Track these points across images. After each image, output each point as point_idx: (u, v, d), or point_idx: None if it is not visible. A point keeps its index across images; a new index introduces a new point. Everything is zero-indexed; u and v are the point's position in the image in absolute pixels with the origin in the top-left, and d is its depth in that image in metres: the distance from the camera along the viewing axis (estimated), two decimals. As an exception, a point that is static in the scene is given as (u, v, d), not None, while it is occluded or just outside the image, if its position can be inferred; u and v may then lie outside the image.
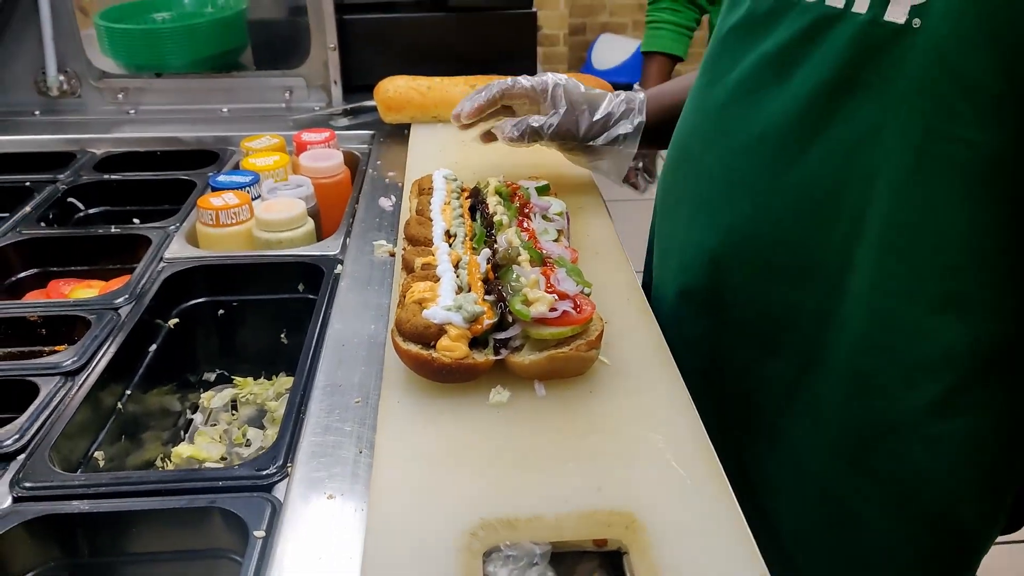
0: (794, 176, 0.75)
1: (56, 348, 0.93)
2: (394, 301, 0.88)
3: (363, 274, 1.00)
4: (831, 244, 0.74)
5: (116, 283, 1.07)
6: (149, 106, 1.59)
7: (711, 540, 0.59)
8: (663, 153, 1.01)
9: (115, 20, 1.60)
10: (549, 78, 1.05)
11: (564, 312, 0.73)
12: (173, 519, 0.67)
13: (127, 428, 0.89)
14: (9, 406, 0.79)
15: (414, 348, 0.72)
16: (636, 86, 1.96)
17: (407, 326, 0.73)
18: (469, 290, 0.77)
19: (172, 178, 1.32)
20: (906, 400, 0.75)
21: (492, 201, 0.95)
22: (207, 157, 1.39)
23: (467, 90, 1.38)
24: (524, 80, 1.05)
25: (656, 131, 1.03)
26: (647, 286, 1.03)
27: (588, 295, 0.78)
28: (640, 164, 1.98)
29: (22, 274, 1.12)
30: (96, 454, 0.81)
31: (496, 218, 0.91)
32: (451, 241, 0.88)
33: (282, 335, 1.08)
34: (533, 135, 1.04)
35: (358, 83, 1.59)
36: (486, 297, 0.76)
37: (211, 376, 1.09)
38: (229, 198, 1.10)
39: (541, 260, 0.81)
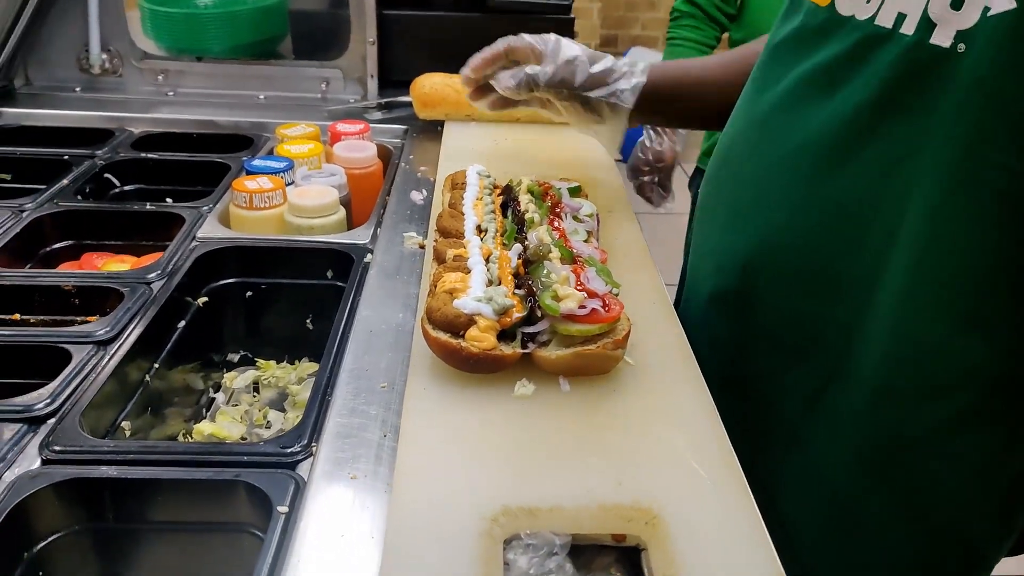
0: (829, 190, 0.76)
1: (88, 319, 0.94)
2: (423, 291, 0.89)
3: (392, 264, 1.01)
4: (861, 259, 0.75)
5: (147, 259, 1.09)
6: (188, 89, 1.61)
7: (729, 540, 0.59)
8: (681, 168, 1.02)
9: (159, 3, 1.62)
10: (553, 35, 1.06)
11: (593, 310, 0.73)
12: (198, 490, 0.68)
13: (152, 401, 0.90)
14: (41, 372, 0.80)
15: (443, 336, 0.73)
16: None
17: (437, 314, 0.74)
18: (499, 283, 0.78)
19: (207, 160, 1.34)
20: (926, 415, 0.76)
21: (524, 199, 0.96)
22: (242, 142, 1.41)
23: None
24: (528, 35, 1.06)
25: (654, 101, 1.04)
26: (679, 292, 1.03)
27: (616, 295, 0.79)
28: (655, 179, 1.99)
29: (57, 245, 1.14)
30: (123, 424, 0.83)
31: (527, 216, 0.91)
32: (482, 236, 0.89)
33: (308, 321, 1.09)
34: (529, 83, 1.04)
35: (394, 78, 1.60)
36: (516, 291, 0.77)
37: (235, 357, 1.10)
38: (263, 182, 1.11)
39: (571, 258, 0.82)
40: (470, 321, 0.73)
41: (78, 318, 0.96)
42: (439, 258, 0.86)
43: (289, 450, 0.70)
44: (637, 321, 0.79)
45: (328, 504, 0.65)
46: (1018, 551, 0.88)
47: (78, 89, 1.59)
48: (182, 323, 0.98)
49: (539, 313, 0.75)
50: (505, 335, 0.74)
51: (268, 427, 1.02)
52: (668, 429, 0.70)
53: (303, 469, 0.69)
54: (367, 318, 0.89)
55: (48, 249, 1.14)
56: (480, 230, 0.90)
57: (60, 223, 1.14)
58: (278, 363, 1.10)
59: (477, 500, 0.61)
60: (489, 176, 1.04)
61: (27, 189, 1.20)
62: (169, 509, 0.69)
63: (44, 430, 0.72)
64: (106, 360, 0.82)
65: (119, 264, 1.11)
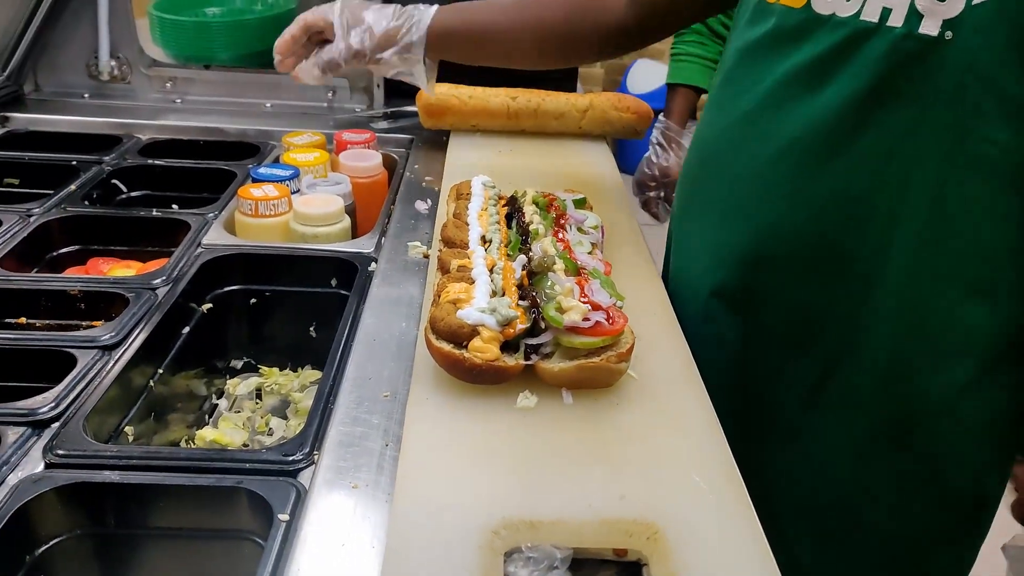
0: (829, 179, 0.79)
1: (93, 323, 0.94)
2: (426, 300, 0.89)
3: (396, 273, 1.01)
4: (866, 240, 0.78)
5: (153, 265, 1.09)
6: (195, 96, 1.62)
7: (731, 556, 0.59)
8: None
9: (168, 11, 1.63)
10: (337, 5, 1.08)
11: (597, 323, 0.74)
12: (200, 496, 0.68)
13: (155, 407, 0.90)
14: (46, 376, 0.80)
15: (446, 346, 0.73)
16: (660, 116, 1.97)
17: (441, 324, 0.74)
18: (503, 294, 0.78)
19: (213, 167, 1.34)
20: (937, 383, 0.80)
21: (529, 210, 0.96)
22: (248, 149, 1.41)
23: (507, 100, 1.40)
24: (311, 13, 1.09)
25: (449, 44, 1.08)
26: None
27: (621, 308, 0.79)
28: (662, 194, 1.99)
29: (63, 249, 1.15)
30: (126, 429, 0.83)
31: (532, 227, 0.92)
32: (487, 246, 0.89)
33: (311, 328, 1.09)
34: (331, 66, 1.08)
35: (400, 88, 1.60)
36: (520, 302, 0.77)
37: (238, 363, 1.11)
38: (269, 190, 1.12)
39: (576, 270, 0.82)
40: (473, 332, 0.73)
41: (83, 323, 0.96)
42: (443, 268, 0.86)
43: (291, 458, 0.70)
44: (641, 334, 0.79)
45: (329, 513, 0.65)
46: None
47: (87, 95, 1.60)
48: (186, 329, 0.98)
49: (543, 325, 0.75)
50: (508, 346, 0.75)
51: (270, 434, 1.02)
52: (671, 443, 0.70)
53: (304, 477, 0.69)
54: (370, 327, 0.89)
55: (55, 254, 1.14)
56: (484, 241, 0.90)
57: (67, 228, 1.15)
58: (281, 370, 1.10)
59: (478, 512, 0.61)
60: (494, 187, 1.04)
61: (35, 194, 1.20)
62: (170, 515, 0.69)
63: (48, 434, 0.72)
64: (111, 365, 0.82)
65: (125, 270, 1.12)
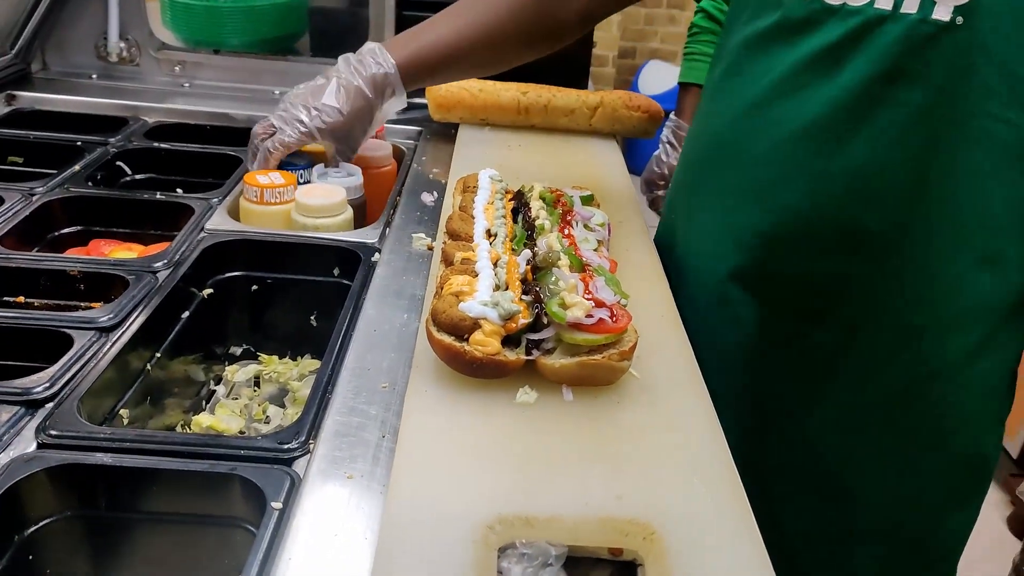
0: (846, 158, 0.82)
1: (92, 304, 0.94)
2: (429, 292, 0.88)
3: (400, 264, 1.00)
4: (882, 215, 0.82)
5: (155, 248, 1.08)
6: (204, 81, 1.61)
7: (728, 560, 0.58)
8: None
9: (180, -6, 1.63)
10: (307, 123, 1.10)
11: (600, 319, 0.73)
12: (192, 482, 0.67)
13: (152, 391, 0.89)
14: (42, 356, 0.80)
15: (447, 339, 0.72)
16: (671, 115, 1.96)
17: (442, 316, 0.73)
18: (506, 288, 0.77)
19: (219, 152, 1.34)
20: (948, 348, 0.85)
21: (535, 205, 0.95)
22: (255, 136, 1.40)
23: (518, 96, 1.39)
24: (287, 137, 1.10)
25: (418, 79, 1.14)
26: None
27: (625, 306, 0.78)
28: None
29: (65, 230, 1.14)
30: (121, 412, 0.82)
31: (538, 222, 0.91)
32: (491, 240, 0.88)
33: (312, 317, 1.08)
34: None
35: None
36: (523, 297, 0.76)
37: (237, 350, 1.10)
38: (275, 177, 1.11)
39: (581, 267, 0.81)
40: (475, 325, 0.72)
41: (83, 304, 0.95)
42: (447, 260, 0.85)
43: (286, 446, 0.69)
44: (644, 333, 0.78)
45: (322, 503, 0.64)
46: None
47: (94, 76, 1.59)
48: (186, 314, 0.98)
49: (545, 320, 0.74)
50: (510, 341, 0.74)
51: (267, 422, 1.01)
52: (671, 444, 0.69)
53: (299, 466, 0.68)
54: (372, 317, 0.88)
55: (56, 234, 1.14)
56: (490, 234, 0.89)
57: (70, 208, 1.14)
58: (280, 358, 1.09)
59: (473, 506, 0.60)
60: (501, 181, 1.03)
61: (39, 173, 1.20)
62: (162, 499, 0.69)
63: (41, 414, 0.72)
64: (107, 347, 0.81)
65: (126, 252, 1.11)
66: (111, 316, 0.85)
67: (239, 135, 1.40)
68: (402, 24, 1.58)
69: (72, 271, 0.95)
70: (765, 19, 0.87)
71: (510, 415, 0.70)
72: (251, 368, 1.08)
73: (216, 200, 1.14)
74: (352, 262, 1.02)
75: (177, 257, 0.99)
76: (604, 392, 0.74)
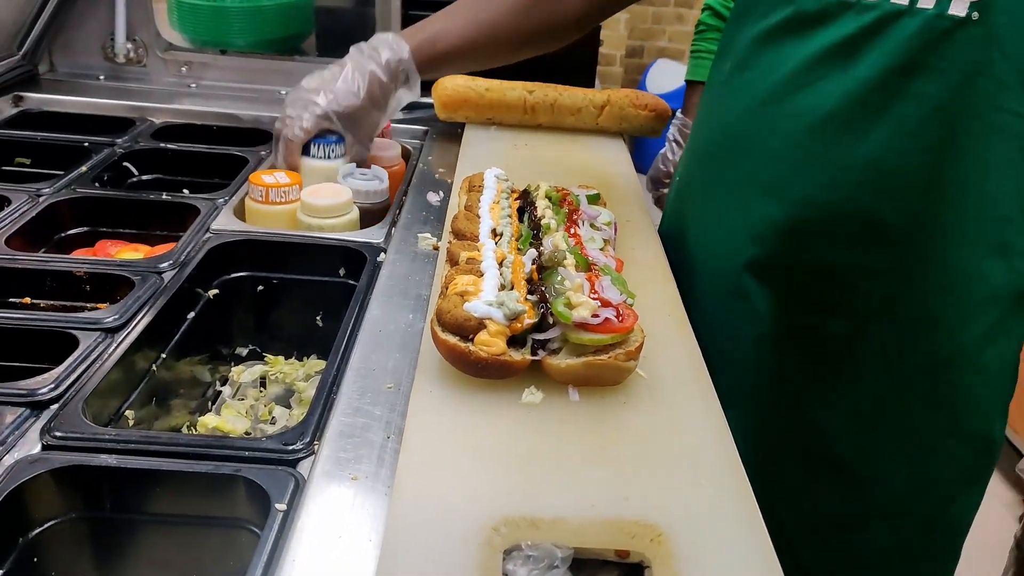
0: (863, 150, 0.83)
1: (98, 305, 0.94)
2: (434, 293, 0.88)
3: (405, 264, 1.00)
4: (900, 207, 0.83)
5: (161, 249, 1.08)
6: (211, 81, 1.61)
7: (736, 562, 0.58)
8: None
9: (186, -5, 1.63)
10: (322, 105, 1.12)
11: (606, 319, 0.72)
12: (197, 483, 0.67)
13: (158, 392, 0.89)
14: (48, 357, 0.79)
15: (452, 339, 0.72)
16: (678, 113, 1.95)
17: (447, 317, 0.73)
18: (512, 288, 0.77)
19: (226, 153, 1.33)
20: (961, 335, 0.87)
21: (541, 204, 0.94)
22: (262, 136, 1.40)
23: (524, 95, 1.38)
24: (304, 122, 1.13)
25: (435, 69, 1.20)
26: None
27: (631, 306, 0.77)
28: None
29: (72, 231, 1.14)
30: (127, 413, 0.82)
31: (544, 221, 0.90)
32: (497, 240, 0.88)
33: (318, 318, 1.08)
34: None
35: (416, 79, 1.59)
36: (528, 297, 0.76)
37: (243, 351, 1.10)
38: (280, 177, 1.11)
39: (587, 266, 0.81)
40: (480, 325, 0.72)
41: (88, 305, 0.95)
42: (452, 260, 0.85)
43: (291, 447, 0.69)
44: (651, 333, 0.77)
45: (327, 504, 0.63)
46: None
47: (102, 77, 1.60)
48: (192, 314, 0.97)
49: (551, 320, 0.73)
50: (515, 341, 0.73)
51: (273, 423, 1.01)
52: (678, 444, 0.68)
53: (304, 467, 0.68)
54: (377, 317, 0.88)
55: (63, 235, 1.14)
56: (495, 234, 0.89)
57: (76, 209, 1.14)
58: (286, 359, 1.09)
59: (478, 508, 0.60)
60: (507, 180, 1.03)
61: (46, 174, 1.20)
62: (167, 501, 0.68)
63: (46, 415, 0.71)
64: (113, 348, 0.81)
65: (133, 252, 1.11)
66: (116, 317, 0.85)
67: (246, 135, 1.41)
68: (408, 23, 1.57)
69: (78, 272, 0.95)
70: (778, 14, 0.88)
71: (515, 416, 0.70)
72: (257, 369, 1.07)
73: (222, 200, 1.14)
74: (358, 262, 1.01)
75: (183, 258, 0.99)
76: (610, 392, 0.73)
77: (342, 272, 1.05)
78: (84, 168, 1.22)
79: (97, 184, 1.21)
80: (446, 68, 1.25)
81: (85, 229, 1.15)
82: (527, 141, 1.35)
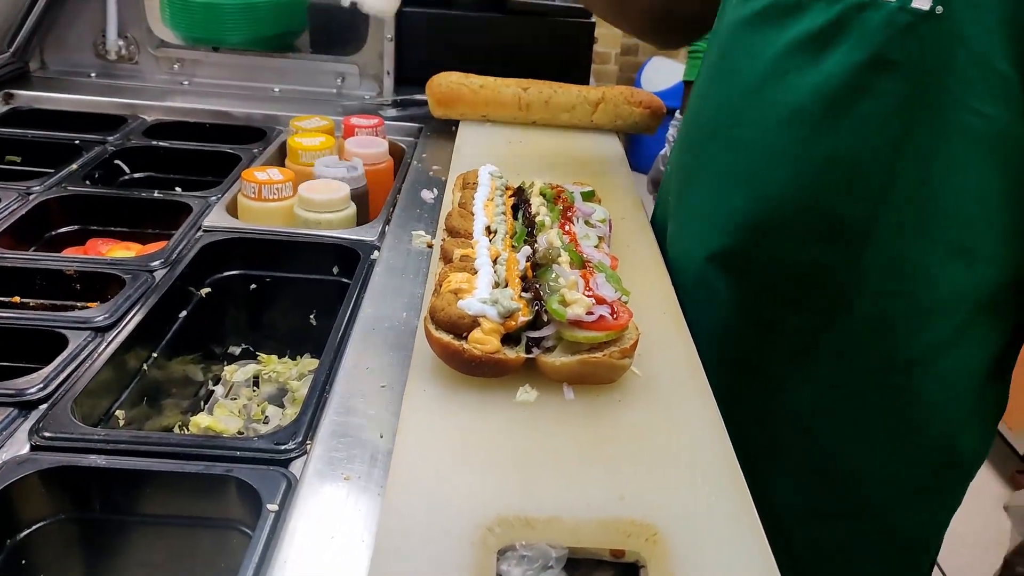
0: (827, 146, 0.82)
1: (88, 304, 0.93)
2: (428, 291, 0.87)
3: (399, 262, 0.99)
4: (860, 205, 0.82)
5: (153, 247, 1.07)
6: (203, 79, 1.60)
7: (732, 561, 0.57)
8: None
9: (178, -9, 1.62)
10: None
11: (601, 317, 0.71)
12: (188, 484, 0.67)
13: (149, 391, 0.88)
14: (37, 356, 0.79)
15: (446, 337, 0.71)
16: (677, 114, 1.94)
17: (441, 314, 0.72)
18: (506, 285, 0.76)
19: (218, 150, 1.33)
20: (918, 339, 0.85)
21: (535, 201, 0.94)
22: (254, 134, 1.39)
23: (518, 92, 1.38)
24: None
25: None
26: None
27: (626, 303, 0.77)
28: None
29: (62, 229, 1.13)
30: (117, 413, 0.81)
31: (538, 218, 0.89)
32: (491, 237, 0.87)
33: (311, 316, 1.07)
34: None
35: (410, 76, 1.59)
36: (523, 294, 0.75)
37: (236, 350, 1.09)
38: (273, 173, 1.10)
39: (581, 263, 0.80)
40: (474, 323, 0.71)
41: (79, 304, 0.94)
42: (446, 257, 0.84)
43: (283, 447, 0.68)
44: (646, 330, 0.76)
45: (319, 504, 0.63)
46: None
47: (93, 74, 1.59)
48: (183, 313, 0.97)
49: (545, 318, 0.73)
50: (509, 339, 0.72)
51: (266, 422, 1.00)
52: (674, 443, 0.67)
53: (296, 467, 0.67)
54: (370, 315, 0.87)
55: (53, 233, 1.13)
56: (489, 231, 0.88)
57: (67, 207, 1.13)
58: (279, 358, 1.08)
59: (472, 508, 0.59)
60: (501, 177, 1.02)
61: (36, 172, 1.19)
62: (157, 502, 0.68)
63: (35, 415, 0.71)
64: (103, 347, 0.81)
65: (124, 251, 1.10)
66: (107, 316, 0.84)
67: (238, 133, 1.40)
68: (402, 21, 1.57)
69: (68, 271, 0.94)
70: (755, 1, 0.87)
71: (510, 414, 0.69)
72: (250, 368, 1.07)
73: (214, 198, 1.13)
74: (351, 260, 1.01)
75: (174, 256, 0.98)
76: (605, 390, 0.72)
77: (335, 270, 1.04)
78: (75, 166, 1.21)
79: (88, 182, 1.20)
80: None
81: (76, 227, 1.14)
82: (522, 138, 1.35)
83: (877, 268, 0.83)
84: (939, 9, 0.74)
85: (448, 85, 1.40)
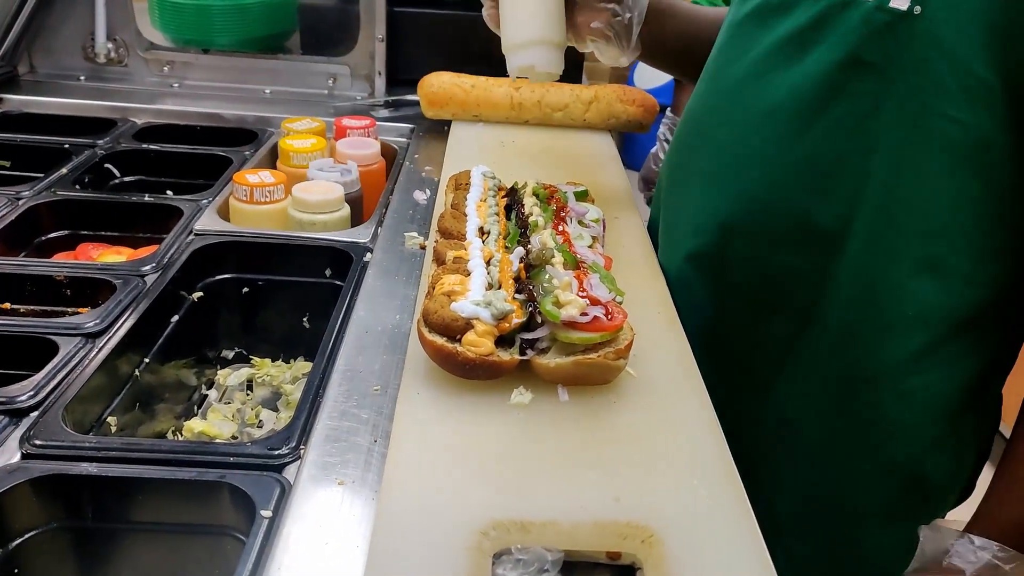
0: (801, 148, 0.81)
1: (79, 310, 0.92)
2: (421, 293, 0.86)
3: (392, 264, 0.98)
4: (832, 210, 0.80)
5: (144, 251, 1.07)
6: (193, 81, 1.60)
7: (729, 563, 0.57)
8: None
9: (168, -6, 1.61)
10: None
11: (595, 318, 0.71)
12: (180, 490, 0.66)
13: (141, 397, 0.88)
14: (27, 363, 0.78)
15: (439, 340, 0.70)
16: (668, 112, 1.93)
17: (434, 317, 0.71)
18: (499, 287, 0.76)
19: (209, 153, 1.32)
20: (885, 353, 0.82)
21: (529, 202, 0.93)
22: (245, 136, 1.39)
23: (510, 92, 1.37)
24: None
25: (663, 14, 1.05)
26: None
27: (620, 303, 0.76)
28: None
29: (53, 234, 1.12)
30: (109, 419, 0.80)
31: (531, 219, 0.89)
32: (484, 238, 0.87)
33: (304, 319, 1.07)
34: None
35: (402, 77, 1.58)
36: (516, 296, 0.75)
37: (229, 354, 1.08)
38: (265, 176, 1.09)
39: (575, 264, 0.80)
40: (467, 325, 0.70)
41: (69, 309, 0.94)
42: (439, 259, 0.84)
43: (276, 452, 0.68)
44: (641, 331, 0.76)
45: (313, 510, 0.62)
46: (961, 500, 0.93)
47: (82, 78, 1.58)
48: (175, 317, 0.96)
49: (539, 319, 0.72)
50: (503, 341, 0.72)
51: (260, 426, 1.00)
52: (669, 444, 0.67)
53: (290, 472, 0.66)
54: (363, 318, 0.87)
55: (44, 238, 1.12)
56: (482, 232, 0.87)
57: (57, 212, 1.13)
58: (273, 361, 1.08)
59: (467, 512, 0.59)
60: (494, 177, 1.01)
61: (26, 177, 1.18)
62: (150, 509, 0.67)
63: (26, 423, 0.70)
64: (94, 353, 0.80)
65: (115, 255, 1.10)
66: (97, 322, 0.83)
67: (230, 135, 1.39)
68: (393, 21, 1.56)
69: (58, 276, 0.93)
70: (750, 1, 0.87)
71: (504, 417, 0.69)
72: (244, 372, 1.06)
73: (206, 201, 1.12)
74: (344, 262, 1.00)
75: (166, 260, 0.98)
76: (600, 392, 0.72)
77: (328, 273, 1.04)
78: (65, 170, 1.21)
79: (78, 186, 1.19)
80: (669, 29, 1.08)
81: (66, 232, 1.13)
82: (514, 138, 1.34)
83: (846, 278, 0.81)
84: (917, 9, 0.72)
85: (440, 85, 1.39)
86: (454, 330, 0.71)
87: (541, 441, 0.66)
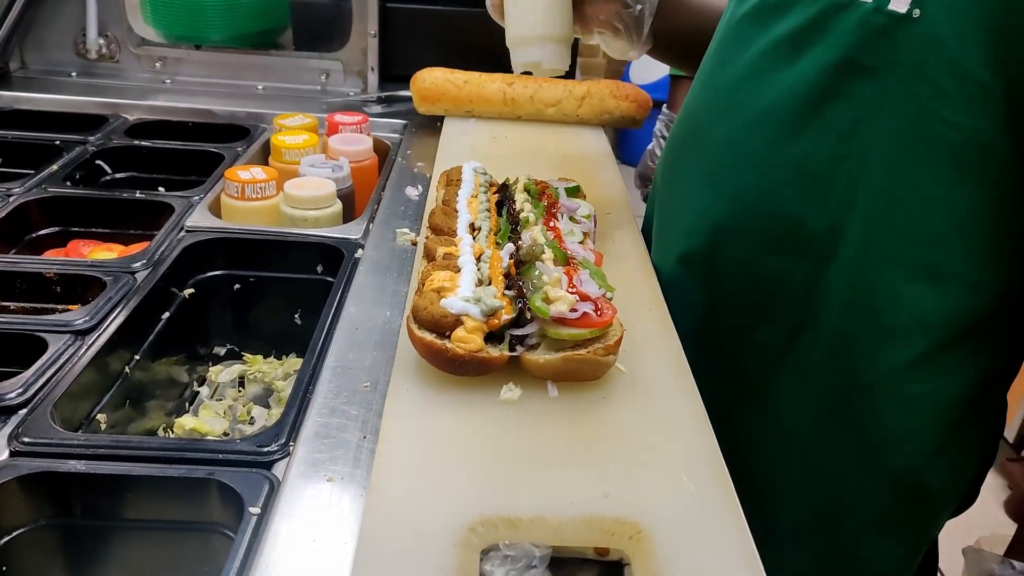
0: (795, 151, 0.80)
1: (69, 307, 0.92)
2: (412, 289, 0.86)
3: (383, 260, 0.98)
4: (825, 214, 0.79)
5: (135, 248, 1.06)
6: (185, 77, 1.59)
7: (717, 559, 0.57)
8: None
9: (159, -11, 1.60)
10: None
11: (584, 314, 0.71)
12: (169, 488, 0.66)
13: (132, 394, 0.88)
14: (16, 360, 0.78)
15: (428, 336, 0.70)
16: (664, 108, 1.93)
17: (423, 313, 0.71)
18: (489, 283, 0.76)
19: (201, 149, 1.31)
20: (881, 361, 0.80)
21: (520, 198, 0.93)
22: (238, 132, 1.39)
23: (503, 87, 1.37)
24: None
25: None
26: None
27: (610, 299, 0.76)
28: None
29: (43, 231, 1.12)
30: (99, 416, 0.80)
31: (522, 215, 0.89)
32: (475, 234, 0.87)
33: (296, 316, 1.07)
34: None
35: (394, 72, 1.58)
36: (506, 292, 0.75)
37: (221, 350, 1.08)
38: (256, 172, 1.09)
39: (565, 260, 0.80)
40: (457, 321, 0.70)
41: (59, 307, 0.93)
42: (429, 256, 0.84)
43: (265, 449, 0.68)
44: (631, 327, 0.76)
45: (302, 506, 0.62)
46: (963, 509, 0.92)
47: (74, 74, 1.57)
48: (166, 314, 0.96)
49: (528, 315, 0.72)
50: (493, 337, 0.72)
51: (252, 423, 1.00)
52: (658, 440, 0.67)
53: (279, 469, 0.66)
54: (354, 315, 0.87)
55: (34, 235, 1.12)
56: (473, 228, 0.87)
57: (48, 209, 1.12)
58: (265, 358, 1.08)
59: (456, 508, 0.59)
60: (486, 173, 1.01)
61: (16, 173, 1.18)
62: (138, 506, 0.67)
63: (14, 420, 0.70)
64: (83, 350, 0.80)
65: (106, 252, 1.09)
66: (87, 319, 0.83)
67: (221, 131, 1.39)
68: (386, 16, 1.56)
69: (48, 273, 0.93)
70: (748, 1, 0.86)
71: (494, 413, 0.69)
72: (235, 368, 1.06)
73: (197, 198, 1.12)
74: (335, 258, 1.00)
75: (157, 256, 0.97)
76: (590, 388, 0.72)
77: (319, 269, 1.04)
78: (56, 167, 1.20)
79: (69, 183, 1.19)
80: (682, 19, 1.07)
81: (57, 229, 1.13)
82: (507, 133, 1.34)
83: (840, 285, 0.80)
84: (916, 12, 0.71)
85: (432, 81, 1.39)
86: (443, 326, 0.71)
87: (530, 437, 0.66)
